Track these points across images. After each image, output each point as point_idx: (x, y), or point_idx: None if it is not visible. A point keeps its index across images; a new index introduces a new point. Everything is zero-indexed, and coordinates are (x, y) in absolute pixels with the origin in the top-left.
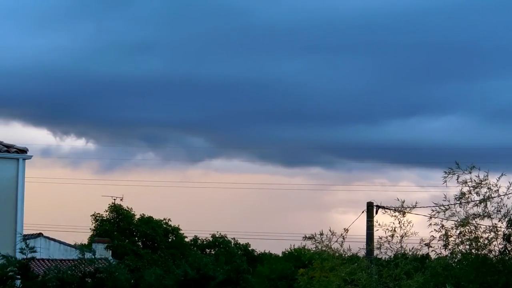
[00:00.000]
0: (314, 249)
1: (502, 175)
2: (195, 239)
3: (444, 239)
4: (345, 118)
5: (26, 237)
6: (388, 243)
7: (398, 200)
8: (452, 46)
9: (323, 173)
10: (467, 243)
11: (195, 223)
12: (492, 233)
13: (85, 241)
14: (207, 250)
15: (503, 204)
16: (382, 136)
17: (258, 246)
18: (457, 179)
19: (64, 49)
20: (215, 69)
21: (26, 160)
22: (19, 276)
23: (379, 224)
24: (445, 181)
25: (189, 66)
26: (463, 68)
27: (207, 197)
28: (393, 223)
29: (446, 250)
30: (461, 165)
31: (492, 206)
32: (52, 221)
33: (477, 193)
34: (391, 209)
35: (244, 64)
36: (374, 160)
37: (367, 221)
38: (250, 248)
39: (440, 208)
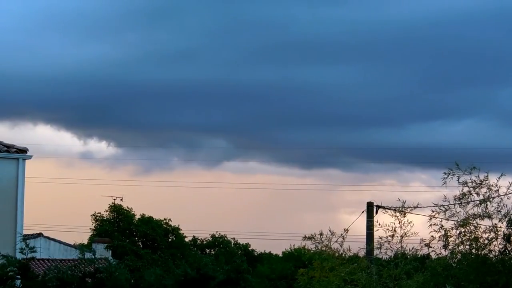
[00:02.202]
0: (314, 249)
1: (502, 175)
2: (195, 239)
3: (444, 239)
4: (370, 122)
5: (26, 237)
6: (388, 243)
7: (399, 200)
8: (476, 53)
9: (339, 175)
10: (467, 243)
11: (197, 223)
12: (492, 233)
13: (85, 241)
14: (207, 250)
15: (503, 204)
16: (404, 139)
17: (258, 246)
18: (458, 180)
19: (106, 58)
20: (249, 76)
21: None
22: (19, 276)
23: (379, 224)
24: (445, 182)
25: (224, 74)
26: (487, 74)
27: (210, 197)
28: (394, 223)
29: (446, 250)
30: (463, 166)
31: (492, 206)
32: (52, 221)
33: (477, 194)
34: (391, 209)
35: (276, 72)
36: (393, 162)
37: (367, 221)
38: (250, 248)
39: (440, 209)
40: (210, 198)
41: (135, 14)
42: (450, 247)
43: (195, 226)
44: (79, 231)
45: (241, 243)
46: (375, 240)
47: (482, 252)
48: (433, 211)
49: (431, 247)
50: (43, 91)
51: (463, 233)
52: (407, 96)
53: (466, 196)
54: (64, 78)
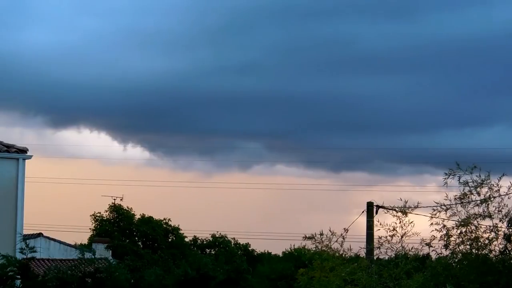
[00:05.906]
0: (314, 249)
1: (503, 175)
2: (195, 239)
3: (445, 239)
4: (405, 129)
5: (26, 237)
6: (388, 243)
7: (401, 199)
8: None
9: (364, 177)
10: (468, 243)
11: (197, 223)
12: (493, 233)
13: (85, 241)
14: (207, 250)
15: (504, 204)
16: (437, 144)
17: (258, 246)
18: (459, 180)
19: (175, 71)
20: (299, 87)
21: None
22: (19, 276)
23: (380, 224)
24: (446, 182)
25: (279, 85)
26: None
27: (211, 197)
28: (394, 223)
29: (447, 250)
30: (464, 166)
31: (493, 206)
32: (52, 221)
33: (478, 193)
34: (391, 209)
35: (325, 83)
36: (421, 165)
37: (367, 221)
38: (250, 248)
39: (441, 208)
40: (211, 198)
41: (209, 32)
42: (450, 246)
43: (195, 226)
44: (79, 231)
45: (241, 243)
46: (375, 240)
47: (483, 252)
48: (434, 210)
49: (431, 246)
50: (98, 99)
51: (463, 233)
52: (441, 104)
53: (467, 196)
54: (125, 88)
